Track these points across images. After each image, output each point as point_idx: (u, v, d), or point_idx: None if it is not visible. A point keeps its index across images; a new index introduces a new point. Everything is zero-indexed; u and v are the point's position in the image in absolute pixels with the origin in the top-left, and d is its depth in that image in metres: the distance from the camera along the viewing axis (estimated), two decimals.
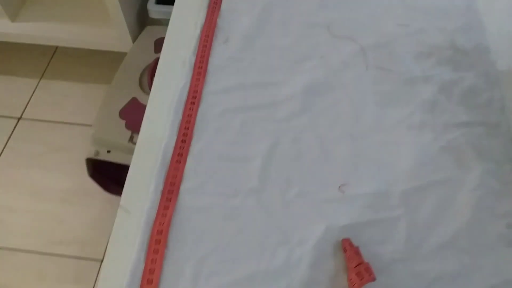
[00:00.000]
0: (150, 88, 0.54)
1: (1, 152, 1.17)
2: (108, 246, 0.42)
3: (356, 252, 0.40)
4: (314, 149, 0.48)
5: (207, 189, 0.46)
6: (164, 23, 1.16)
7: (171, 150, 0.48)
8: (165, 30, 0.59)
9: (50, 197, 1.11)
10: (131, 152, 0.98)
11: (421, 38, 0.56)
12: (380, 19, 0.59)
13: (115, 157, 0.90)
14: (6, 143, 1.18)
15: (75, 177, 1.12)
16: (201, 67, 0.54)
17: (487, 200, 0.45)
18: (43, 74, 1.31)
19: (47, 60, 1.34)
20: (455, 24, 0.57)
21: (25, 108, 1.24)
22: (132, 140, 0.90)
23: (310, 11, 0.60)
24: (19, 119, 1.22)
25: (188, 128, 0.49)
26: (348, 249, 0.41)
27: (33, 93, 1.27)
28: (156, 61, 0.56)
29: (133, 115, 0.93)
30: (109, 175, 1.01)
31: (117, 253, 0.42)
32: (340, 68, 0.54)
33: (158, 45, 1.06)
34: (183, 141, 0.48)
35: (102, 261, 1.04)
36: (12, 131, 1.20)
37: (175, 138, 0.49)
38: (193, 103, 0.51)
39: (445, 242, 0.42)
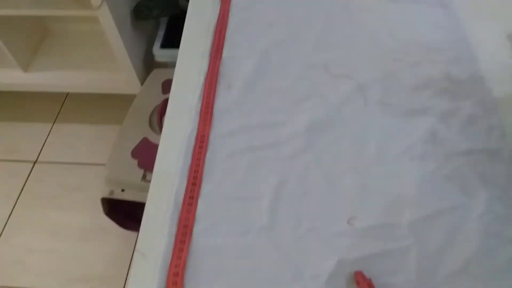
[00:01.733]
0: (160, 128, 0.56)
1: (19, 195, 1.21)
2: None
3: (369, 284, 0.41)
4: (320, 185, 0.50)
5: (219, 229, 0.47)
6: (170, 65, 1.21)
7: (182, 193, 0.50)
8: (172, 72, 0.62)
9: (68, 236, 1.14)
10: (144, 189, 1.01)
11: (416, 72, 0.59)
12: (375, 56, 0.61)
13: (129, 196, 0.93)
14: (23, 187, 1.22)
15: (92, 215, 1.14)
16: (207, 113, 0.57)
17: (495, 225, 0.46)
18: (56, 118, 1.36)
19: (59, 105, 1.40)
20: (448, 56, 0.60)
21: (40, 151, 1.28)
22: (145, 178, 0.93)
23: (307, 53, 0.63)
24: (35, 162, 1.26)
25: (197, 172, 0.51)
26: (361, 282, 0.42)
27: (47, 137, 1.32)
28: (165, 102, 0.59)
29: (144, 154, 0.96)
30: (125, 212, 1.03)
31: None
32: (339, 105, 0.57)
33: (166, 86, 1.10)
34: (194, 184, 0.50)
35: None
36: (29, 175, 1.24)
37: (185, 182, 0.51)
38: (201, 147, 0.54)
39: (457, 270, 0.43)
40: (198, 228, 0.47)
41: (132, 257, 1.10)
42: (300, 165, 0.51)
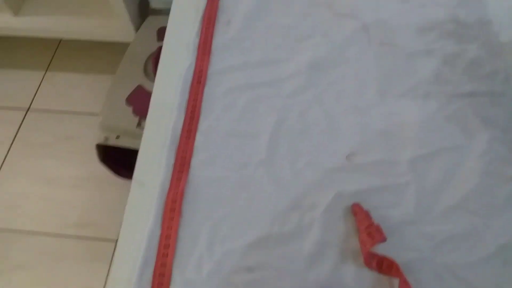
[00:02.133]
0: (155, 75, 0.55)
1: (12, 143, 1.19)
2: (124, 217, 0.44)
3: (366, 214, 0.42)
4: (320, 122, 0.49)
5: (216, 163, 0.47)
6: (165, 13, 1.17)
7: (180, 127, 0.49)
8: (167, 20, 0.59)
9: (62, 184, 1.14)
10: (139, 137, 0.99)
11: (422, 13, 0.57)
12: None
13: (124, 142, 0.92)
14: (16, 134, 1.21)
15: (86, 164, 1.14)
16: (205, 48, 0.55)
17: (495, 165, 0.45)
18: (48, 66, 1.33)
19: (51, 53, 1.36)
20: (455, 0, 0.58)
21: (33, 99, 1.26)
22: (140, 125, 0.92)
23: None
24: (27, 110, 1.24)
25: (195, 106, 0.50)
26: (358, 212, 0.42)
27: (40, 85, 1.29)
28: (160, 49, 0.57)
29: (139, 101, 0.94)
30: (119, 160, 1.02)
31: (133, 224, 0.43)
32: (343, 44, 0.55)
33: (161, 34, 1.07)
34: (191, 118, 0.50)
35: (117, 241, 1.06)
36: (21, 122, 1.22)
37: (183, 116, 0.50)
38: (199, 82, 0.52)
39: (455, 205, 0.43)
40: (196, 161, 0.47)
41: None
42: (300, 103, 0.50)
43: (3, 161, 1.18)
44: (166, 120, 0.49)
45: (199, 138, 0.48)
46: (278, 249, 0.42)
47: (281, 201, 0.44)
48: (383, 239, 0.39)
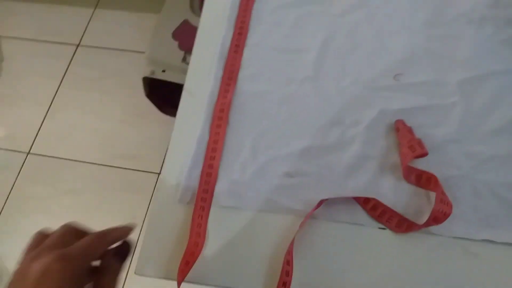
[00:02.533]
0: (201, 10, 0.55)
1: (63, 76, 1.26)
2: (175, 124, 0.47)
3: (409, 130, 0.42)
4: (369, 42, 0.49)
5: (263, 77, 0.48)
6: None
7: (229, 41, 0.50)
8: None
9: (109, 117, 1.20)
10: (184, 72, 1.02)
11: None
12: None
13: (169, 77, 0.95)
14: (67, 69, 1.27)
15: (132, 100, 1.19)
16: None
17: None
18: (97, 3, 1.36)
19: None
20: None
21: (83, 35, 1.31)
22: (185, 60, 0.94)
23: None
24: (77, 45, 1.29)
25: (244, 22, 0.51)
26: (401, 128, 0.42)
27: (89, 21, 1.33)
28: None
29: (185, 36, 0.96)
30: (164, 96, 1.06)
31: (183, 131, 0.46)
32: None
33: None
34: (240, 34, 0.51)
35: (159, 173, 1.13)
36: (72, 58, 1.28)
37: (232, 31, 0.51)
38: None
39: (500, 128, 0.43)
40: (244, 74, 0.48)
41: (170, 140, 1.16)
42: (350, 21, 0.50)
43: (55, 94, 1.25)
44: (216, 35, 0.50)
45: (247, 53, 0.49)
46: (318, 159, 0.43)
47: (325, 116, 0.45)
48: (425, 153, 0.40)
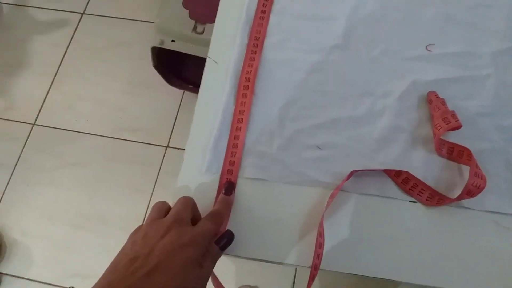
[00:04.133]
0: None
1: (68, 44, 1.23)
2: (199, 94, 0.45)
3: (442, 102, 0.41)
4: (400, 10, 0.47)
5: (290, 45, 0.46)
6: None
7: (254, 7, 0.48)
8: None
9: (114, 89, 1.17)
10: (194, 42, 0.99)
11: None
12: None
13: (179, 47, 0.92)
14: (72, 37, 1.23)
15: (138, 71, 1.16)
16: None
17: None
18: None
19: None
20: None
21: (87, 4, 1.27)
22: (195, 30, 0.91)
23: None
24: (82, 14, 1.26)
25: None
26: (434, 100, 0.41)
27: None
28: None
29: (196, 4, 0.92)
30: (173, 67, 1.04)
31: (208, 100, 0.45)
32: None
33: None
34: (266, 0, 0.49)
35: (167, 147, 1.12)
36: (77, 26, 1.25)
37: None
38: None
39: None
40: (269, 42, 0.47)
41: (177, 113, 1.14)
42: None
43: (61, 63, 1.22)
44: (240, 0, 0.48)
45: (273, 19, 0.47)
46: (347, 131, 0.42)
47: (354, 86, 0.44)
48: (459, 125, 0.39)
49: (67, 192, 1.10)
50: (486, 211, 0.38)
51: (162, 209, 0.35)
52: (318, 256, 0.36)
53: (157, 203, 0.36)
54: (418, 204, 0.39)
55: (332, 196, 0.38)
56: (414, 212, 0.39)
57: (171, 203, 0.37)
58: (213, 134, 0.42)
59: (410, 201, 0.39)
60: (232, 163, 0.41)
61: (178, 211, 0.34)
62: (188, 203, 0.35)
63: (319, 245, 0.36)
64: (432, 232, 0.38)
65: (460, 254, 0.37)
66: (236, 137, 0.42)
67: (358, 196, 0.40)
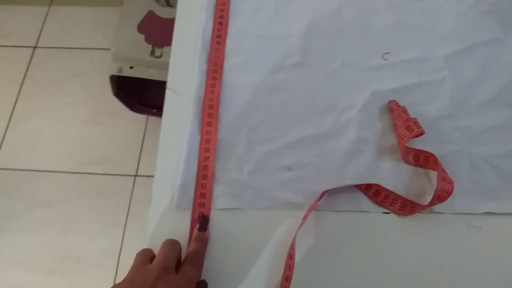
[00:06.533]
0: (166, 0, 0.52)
1: (23, 81, 1.18)
2: (162, 126, 0.44)
3: (404, 110, 0.42)
4: (354, 22, 0.48)
5: (249, 67, 0.46)
6: None
7: (209, 31, 0.48)
8: None
9: (76, 120, 1.14)
10: (153, 66, 0.97)
11: None
12: None
13: (138, 73, 0.91)
14: (26, 73, 1.19)
15: (98, 99, 1.13)
16: None
17: None
18: (51, 1, 1.27)
19: None
20: None
21: (39, 37, 1.23)
22: (153, 54, 0.90)
23: None
24: (34, 48, 1.21)
25: (223, 11, 0.49)
26: (395, 108, 0.42)
27: (45, 21, 1.25)
28: None
29: (152, 28, 0.91)
30: (133, 93, 1.02)
31: (171, 133, 0.43)
32: None
33: None
34: (220, 23, 0.48)
35: (135, 176, 1.09)
36: (30, 61, 1.20)
37: (212, 21, 0.48)
38: None
39: (490, 99, 0.43)
40: (229, 66, 0.46)
41: (143, 140, 1.12)
42: (332, 2, 0.49)
43: (16, 101, 1.17)
44: (195, 26, 0.48)
45: (230, 42, 0.47)
46: (315, 148, 0.42)
47: (316, 103, 0.44)
48: (421, 132, 0.40)
49: (37, 236, 1.05)
50: (457, 213, 0.39)
51: (147, 256, 0.34)
52: (287, 278, 0.35)
53: (140, 250, 0.35)
54: (392, 215, 0.39)
55: (304, 217, 0.38)
56: (388, 223, 0.39)
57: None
58: (180, 168, 0.41)
59: (383, 212, 0.39)
60: (203, 195, 0.40)
61: (165, 258, 0.33)
62: (175, 248, 0.35)
63: (289, 267, 0.35)
64: (408, 240, 0.38)
65: (438, 259, 0.37)
66: (205, 168, 0.41)
67: (331, 214, 0.39)
